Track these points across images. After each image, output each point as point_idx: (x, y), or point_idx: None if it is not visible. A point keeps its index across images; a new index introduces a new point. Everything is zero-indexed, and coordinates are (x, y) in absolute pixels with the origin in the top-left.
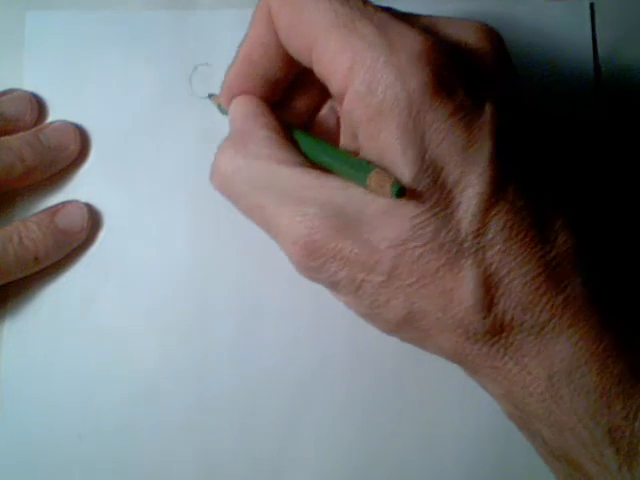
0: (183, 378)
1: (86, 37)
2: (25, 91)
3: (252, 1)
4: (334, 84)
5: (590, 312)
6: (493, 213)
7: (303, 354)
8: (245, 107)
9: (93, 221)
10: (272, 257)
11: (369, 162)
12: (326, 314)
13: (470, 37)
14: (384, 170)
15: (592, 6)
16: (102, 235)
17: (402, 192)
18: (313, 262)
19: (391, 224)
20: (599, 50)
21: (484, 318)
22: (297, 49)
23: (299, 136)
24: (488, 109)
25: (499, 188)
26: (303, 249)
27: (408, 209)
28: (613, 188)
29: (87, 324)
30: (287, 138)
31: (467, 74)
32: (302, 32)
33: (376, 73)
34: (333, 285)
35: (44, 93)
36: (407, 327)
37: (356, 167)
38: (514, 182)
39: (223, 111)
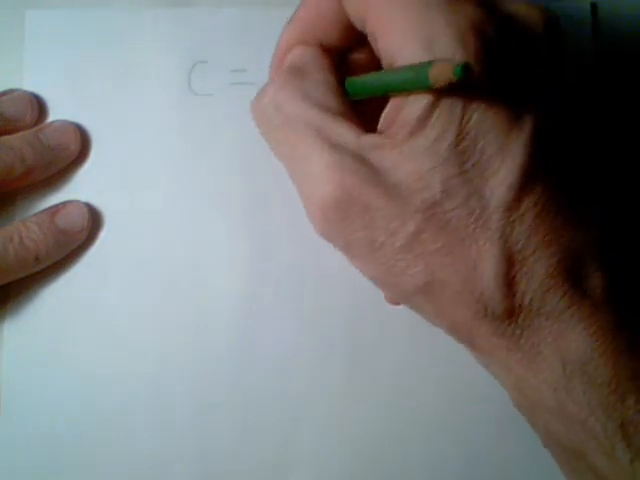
0: (183, 378)
1: (86, 36)
2: (25, 91)
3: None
4: (388, 43)
5: (609, 306)
6: (529, 189)
7: (303, 354)
8: (304, 49)
9: (93, 221)
10: (273, 254)
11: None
12: (326, 314)
13: (528, 16)
14: (443, 59)
15: (593, 6)
16: (102, 235)
17: (467, 70)
18: (337, 215)
19: (424, 185)
20: (600, 50)
21: (503, 296)
22: (356, 9)
23: (351, 83)
24: (536, 88)
25: (538, 165)
26: (331, 198)
27: (442, 170)
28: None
29: (87, 324)
30: (341, 85)
31: (521, 50)
32: None
33: (437, 31)
34: (350, 245)
35: (44, 93)
36: (422, 297)
37: (415, 69)
38: (553, 162)
39: None
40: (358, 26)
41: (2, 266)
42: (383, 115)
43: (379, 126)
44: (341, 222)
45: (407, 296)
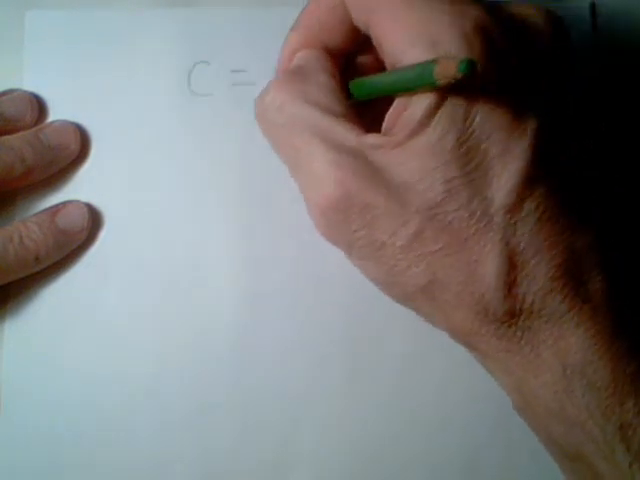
0: (183, 378)
1: (86, 36)
2: (25, 91)
3: None
4: (392, 46)
5: (609, 309)
6: (530, 191)
7: (303, 354)
8: (309, 52)
9: (93, 221)
10: (273, 254)
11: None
12: (326, 314)
13: (531, 17)
14: (447, 57)
15: (593, 6)
16: (102, 235)
17: (471, 66)
18: (337, 214)
19: (426, 185)
20: (600, 50)
21: (504, 297)
22: (359, 12)
23: (356, 84)
24: (540, 88)
25: (540, 167)
26: (332, 197)
27: (445, 171)
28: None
29: (87, 324)
30: (343, 87)
31: (524, 51)
32: None
33: (441, 33)
34: (351, 245)
35: (44, 93)
36: (423, 298)
37: (420, 66)
38: (554, 165)
39: None
40: (362, 29)
41: (2, 266)
42: (387, 116)
43: (383, 127)
44: (342, 222)
45: (408, 296)
